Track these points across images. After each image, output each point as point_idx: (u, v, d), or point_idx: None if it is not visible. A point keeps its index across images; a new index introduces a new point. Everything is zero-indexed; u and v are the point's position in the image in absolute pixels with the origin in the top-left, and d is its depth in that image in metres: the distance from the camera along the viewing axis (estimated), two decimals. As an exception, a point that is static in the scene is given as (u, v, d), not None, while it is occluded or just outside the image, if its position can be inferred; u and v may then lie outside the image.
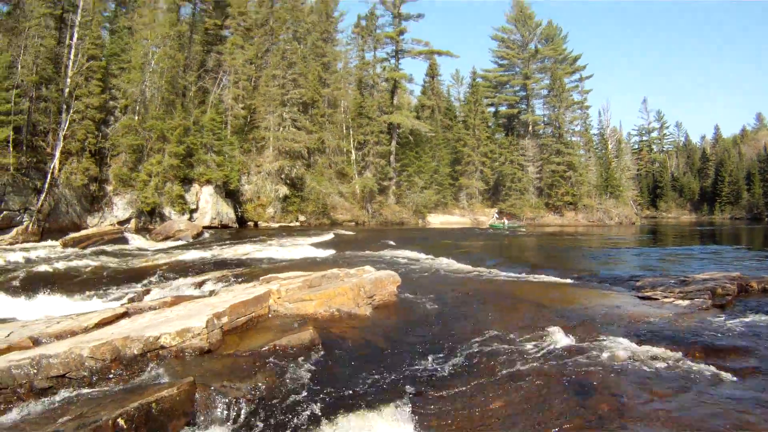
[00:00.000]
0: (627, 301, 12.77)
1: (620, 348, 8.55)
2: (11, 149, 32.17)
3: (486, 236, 44.80)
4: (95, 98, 40.19)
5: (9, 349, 8.88)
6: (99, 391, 7.36)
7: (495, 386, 7.62)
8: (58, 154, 36.72)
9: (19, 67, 35.02)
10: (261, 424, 6.67)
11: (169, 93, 47.75)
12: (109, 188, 41.32)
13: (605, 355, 8.29)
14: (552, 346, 8.96)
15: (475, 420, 6.78)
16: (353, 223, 60.10)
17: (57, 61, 40.06)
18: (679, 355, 8.22)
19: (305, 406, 7.19)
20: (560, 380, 7.47)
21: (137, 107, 44.40)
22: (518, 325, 10.39)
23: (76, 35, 41.33)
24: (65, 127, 37.86)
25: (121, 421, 6.12)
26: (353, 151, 67.63)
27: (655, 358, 8.08)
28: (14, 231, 31.74)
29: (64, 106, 38.91)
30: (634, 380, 7.26)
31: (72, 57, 40.51)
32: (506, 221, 63.33)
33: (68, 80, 39.67)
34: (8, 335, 10.01)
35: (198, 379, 7.22)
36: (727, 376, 7.36)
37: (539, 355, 8.60)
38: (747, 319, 10.59)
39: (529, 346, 9.07)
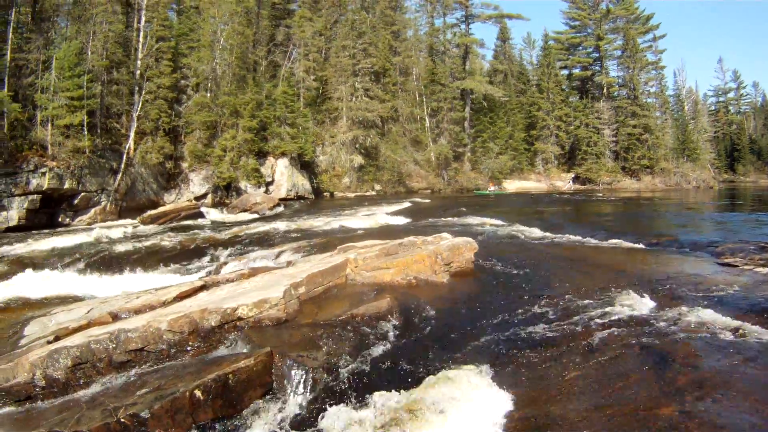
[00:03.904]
0: (706, 268, 12.24)
1: (699, 317, 8.11)
2: (86, 133, 32.76)
3: (562, 202, 43.77)
4: (166, 78, 40.59)
5: (89, 324, 8.98)
6: (177, 363, 7.37)
7: (571, 355, 7.40)
8: (132, 134, 37.29)
9: (89, 53, 35.48)
10: (337, 394, 6.54)
11: (240, 69, 47.80)
12: (185, 165, 41.83)
13: (683, 324, 7.88)
14: (629, 314, 8.59)
15: (551, 390, 6.57)
16: (429, 191, 59.66)
17: (126, 45, 40.44)
18: (760, 326, 7.69)
19: (382, 375, 7.11)
20: (637, 350, 7.15)
21: (209, 84, 44.70)
22: (595, 292, 10.02)
23: (143, 18, 41.76)
24: (138, 108, 38.32)
25: (198, 393, 6.09)
26: (427, 119, 66.63)
27: (734, 328, 7.59)
28: (92, 211, 32.40)
29: (136, 88, 39.35)
30: (713, 351, 6.82)
31: (141, 39, 40.90)
32: (493, 188, 62.18)
33: (138, 62, 40.08)
34: (88, 312, 10.15)
35: (275, 349, 7.16)
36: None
37: (616, 322, 8.26)
38: (832, 289, 9.91)
39: (605, 313, 8.71)
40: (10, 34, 31.35)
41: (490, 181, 63.68)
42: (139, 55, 40.26)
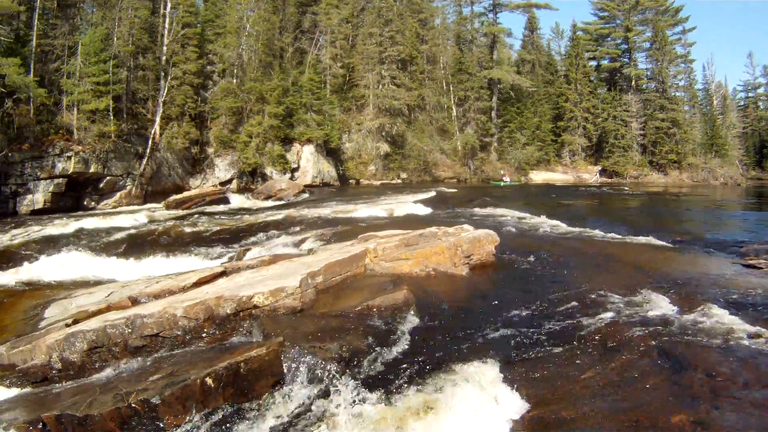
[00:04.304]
0: (729, 269, 12.04)
1: (718, 321, 7.98)
2: (112, 117, 32.95)
3: (588, 195, 43.36)
4: (192, 64, 40.69)
5: (108, 308, 9.05)
6: (190, 350, 7.39)
7: (586, 355, 7.30)
8: (158, 119, 37.46)
9: (115, 38, 35.64)
10: (348, 385, 6.46)
11: (266, 55, 47.90)
12: (210, 150, 42.09)
13: (702, 327, 7.76)
14: (648, 315, 8.47)
15: (563, 390, 6.49)
16: (455, 180, 59.51)
17: (152, 31, 40.50)
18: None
19: (394, 368, 7.05)
20: (654, 352, 7.06)
21: (235, 71, 44.87)
22: (615, 290, 9.86)
23: (169, 4, 41.89)
24: (164, 94, 38.50)
25: (209, 380, 6.08)
26: (454, 108, 66.27)
27: (753, 334, 7.44)
28: (118, 195, 32.72)
29: (162, 74, 39.65)
30: (730, 358, 6.73)
31: (167, 26, 41.09)
32: (507, 179, 61.15)
33: (164, 48, 40.28)
34: (108, 295, 10.23)
35: (288, 339, 7.12)
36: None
37: (634, 323, 8.13)
38: None
39: (624, 312, 8.61)
40: (36, 20, 31.54)
41: (506, 173, 63.15)
42: (165, 41, 40.43)
